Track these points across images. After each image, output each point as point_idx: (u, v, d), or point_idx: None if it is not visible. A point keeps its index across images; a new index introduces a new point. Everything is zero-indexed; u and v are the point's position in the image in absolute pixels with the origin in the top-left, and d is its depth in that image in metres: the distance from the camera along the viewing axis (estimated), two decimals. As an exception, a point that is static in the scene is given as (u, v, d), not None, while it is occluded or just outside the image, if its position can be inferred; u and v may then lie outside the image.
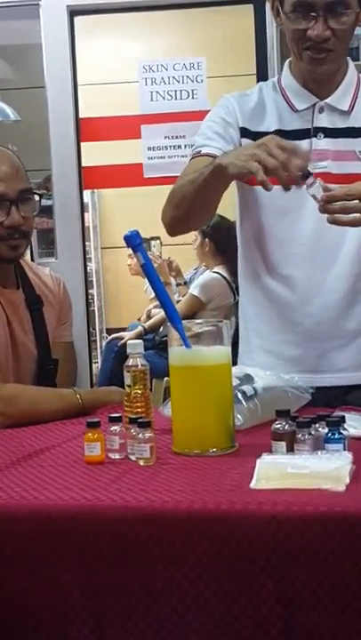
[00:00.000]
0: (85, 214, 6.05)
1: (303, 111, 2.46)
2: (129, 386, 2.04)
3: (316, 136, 2.43)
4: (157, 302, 2.16)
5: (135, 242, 1.93)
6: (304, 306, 2.45)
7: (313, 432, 1.80)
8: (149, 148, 5.60)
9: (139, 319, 6.93)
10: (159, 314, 6.18)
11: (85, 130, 5.54)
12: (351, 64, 2.50)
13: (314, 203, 2.13)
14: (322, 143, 2.43)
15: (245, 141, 2.45)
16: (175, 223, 2.48)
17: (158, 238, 6.91)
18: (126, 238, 1.93)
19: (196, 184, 2.33)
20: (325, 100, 2.45)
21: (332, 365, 2.45)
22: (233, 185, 2.47)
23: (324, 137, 2.43)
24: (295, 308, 2.46)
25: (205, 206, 2.43)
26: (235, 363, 2.38)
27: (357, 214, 2.10)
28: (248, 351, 2.59)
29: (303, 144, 2.41)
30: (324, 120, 2.45)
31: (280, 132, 2.42)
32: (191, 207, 2.40)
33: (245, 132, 2.47)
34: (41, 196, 2.59)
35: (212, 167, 2.25)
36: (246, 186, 2.47)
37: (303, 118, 2.46)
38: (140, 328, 6.47)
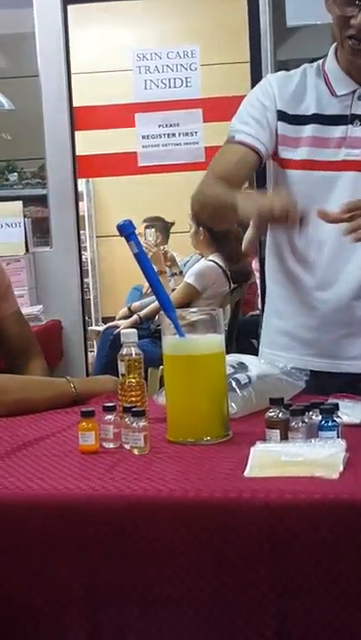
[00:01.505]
0: (80, 203, 6.06)
1: (343, 96, 2.45)
2: (123, 375, 2.04)
3: (352, 123, 2.43)
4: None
5: (128, 230, 1.93)
6: (322, 291, 2.47)
7: (307, 420, 1.80)
8: (144, 137, 5.59)
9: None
10: (154, 302, 6.18)
11: (79, 118, 5.53)
12: None
13: (343, 190, 2.28)
14: (357, 131, 2.42)
15: (281, 125, 2.47)
16: (200, 220, 2.58)
17: (153, 227, 6.91)
18: (119, 227, 1.93)
19: (216, 204, 2.42)
20: None
21: (346, 352, 2.46)
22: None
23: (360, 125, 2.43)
24: (313, 293, 2.48)
25: (224, 221, 2.60)
26: (231, 348, 2.40)
27: None
28: (267, 330, 2.63)
29: (339, 130, 2.43)
30: None
31: (318, 117, 2.44)
32: (213, 217, 2.56)
33: (282, 116, 2.48)
34: None
35: (230, 202, 2.30)
36: (279, 168, 2.50)
37: (342, 104, 2.45)
38: (135, 317, 6.47)
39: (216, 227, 2.60)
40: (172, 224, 7.23)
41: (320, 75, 2.50)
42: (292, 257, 2.51)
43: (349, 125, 2.43)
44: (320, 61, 2.55)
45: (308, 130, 2.45)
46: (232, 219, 2.38)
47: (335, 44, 2.50)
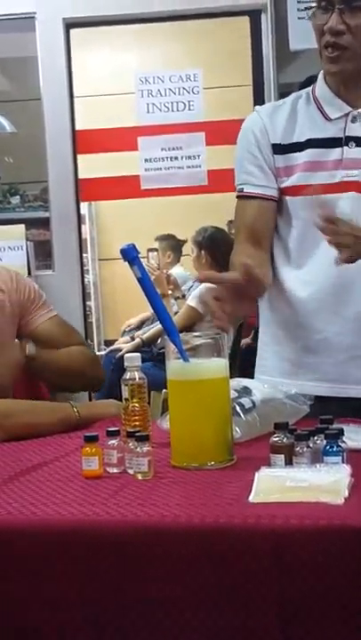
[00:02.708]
0: (82, 226, 6.07)
1: (336, 120, 2.46)
2: (126, 399, 2.03)
3: (347, 145, 2.43)
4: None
5: (131, 255, 1.92)
6: (324, 314, 2.45)
7: (311, 445, 1.79)
8: (146, 160, 5.62)
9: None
10: (157, 325, 6.18)
11: (82, 142, 5.56)
12: None
13: (342, 213, 2.27)
14: (353, 152, 2.43)
15: (278, 157, 2.48)
16: None
17: (156, 250, 6.92)
18: (123, 252, 1.92)
19: None
20: (359, 110, 2.44)
21: (350, 376, 2.45)
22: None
23: (356, 146, 2.43)
24: (315, 317, 2.46)
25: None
26: (235, 372, 2.39)
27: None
28: (265, 358, 2.61)
29: (335, 153, 2.43)
30: (356, 129, 2.44)
31: (312, 141, 2.45)
32: None
33: (277, 149, 2.48)
34: None
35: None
36: (282, 196, 2.50)
37: (336, 127, 2.45)
38: (137, 340, 6.47)
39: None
40: (185, 242, 7.21)
41: (310, 102, 2.51)
42: (290, 281, 2.50)
43: (345, 147, 2.44)
44: (309, 89, 2.55)
45: (304, 156, 2.46)
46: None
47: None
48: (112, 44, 7.13)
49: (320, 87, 2.51)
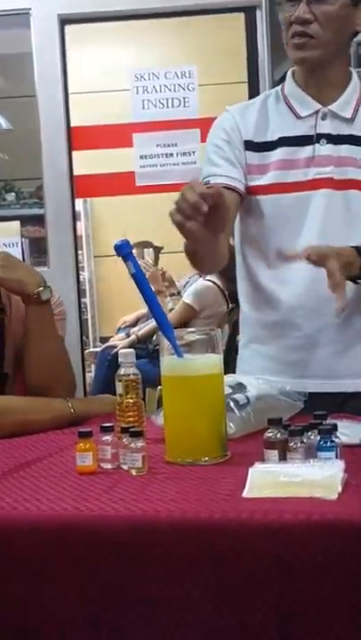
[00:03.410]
0: (78, 223, 6.07)
1: (306, 117, 2.48)
2: (121, 395, 2.03)
3: (319, 142, 2.45)
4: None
5: (125, 251, 1.92)
6: (305, 312, 2.45)
7: (305, 440, 1.80)
8: (141, 157, 5.61)
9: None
10: (153, 323, 6.18)
11: (77, 138, 5.55)
12: (355, 74, 2.53)
13: (316, 209, 2.30)
14: (325, 149, 2.44)
15: (250, 154, 2.48)
16: (195, 266, 2.48)
17: (151, 245, 6.91)
18: (116, 247, 1.92)
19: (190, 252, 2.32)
20: (328, 107, 2.47)
21: (333, 371, 2.45)
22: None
23: (327, 143, 2.44)
24: (296, 313, 2.47)
25: (205, 256, 2.36)
26: (230, 369, 2.39)
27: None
28: (248, 357, 2.60)
29: (306, 150, 2.45)
30: (327, 126, 2.46)
31: (284, 139, 2.46)
32: (193, 258, 2.38)
33: (249, 145, 2.49)
34: None
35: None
36: (248, 196, 2.49)
37: (306, 124, 2.48)
38: (133, 337, 6.47)
39: (213, 261, 2.44)
40: (161, 248, 7.20)
41: (280, 100, 2.53)
42: (269, 281, 2.51)
43: (316, 145, 2.46)
44: (278, 88, 2.58)
45: (276, 154, 2.47)
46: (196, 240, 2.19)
47: (292, 68, 2.54)
48: (107, 40, 7.13)
49: (289, 85, 2.54)
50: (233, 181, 2.46)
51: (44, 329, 2.48)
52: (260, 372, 2.45)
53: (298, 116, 2.48)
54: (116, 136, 5.71)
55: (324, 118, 2.47)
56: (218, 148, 2.51)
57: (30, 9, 5.39)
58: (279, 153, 2.46)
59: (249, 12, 5.54)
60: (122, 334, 6.99)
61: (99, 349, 7.13)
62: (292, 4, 2.37)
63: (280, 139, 2.47)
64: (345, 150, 2.45)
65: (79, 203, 7.86)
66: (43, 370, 2.46)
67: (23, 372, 2.50)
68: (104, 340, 8.00)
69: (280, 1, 2.41)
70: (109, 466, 1.87)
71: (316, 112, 2.47)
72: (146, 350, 6.01)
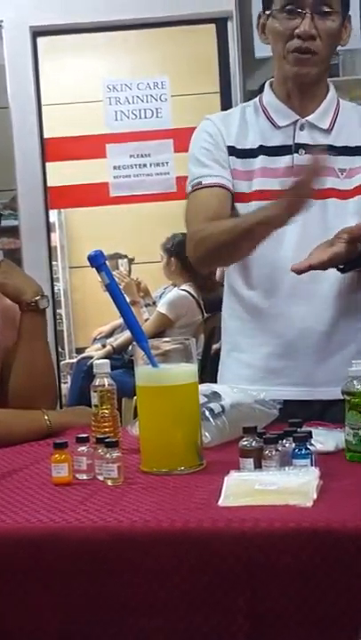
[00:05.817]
0: (52, 234, 6.07)
1: (285, 127, 2.49)
2: (96, 405, 2.03)
3: (297, 152, 2.46)
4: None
5: (99, 261, 1.93)
6: (285, 320, 2.46)
7: (280, 448, 1.80)
8: (115, 167, 5.62)
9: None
10: (128, 333, 6.17)
11: (50, 149, 5.55)
12: (332, 86, 2.54)
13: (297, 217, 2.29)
14: (303, 159, 2.44)
15: (233, 159, 2.49)
16: (204, 263, 2.52)
17: (126, 257, 6.91)
18: (90, 258, 1.93)
19: (234, 234, 2.37)
20: (306, 118, 2.48)
21: (313, 380, 2.46)
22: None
23: (305, 153, 2.45)
24: (276, 323, 2.47)
25: (240, 251, 2.45)
26: (206, 378, 2.39)
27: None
28: (229, 365, 2.61)
29: (285, 160, 2.46)
30: (305, 137, 2.48)
31: (263, 148, 2.47)
32: (226, 251, 2.45)
33: (232, 151, 2.50)
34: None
35: (257, 219, 2.32)
36: (234, 202, 2.50)
37: (285, 134, 2.49)
38: (108, 347, 6.46)
39: (226, 262, 2.52)
40: (132, 259, 7.19)
41: (258, 110, 2.54)
42: (249, 289, 2.51)
43: (295, 155, 2.47)
44: (256, 99, 2.59)
45: (258, 162, 2.48)
46: (250, 245, 2.38)
47: (270, 80, 2.55)
48: (79, 51, 7.13)
49: (267, 95, 2.54)
50: (227, 182, 2.48)
51: (36, 337, 2.50)
52: (242, 380, 2.46)
53: (276, 126, 2.50)
54: (90, 147, 5.72)
55: (302, 129, 2.48)
56: (206, 150, 2.52)
57: (2, 21, 5.40)
58: (260, 161, 2.48)
59: (220, 23, 5.57)
60: (97, 345, 6.97)
61: (74, 360, 7.10)
62: (292, 16, 2.37)
63: (260, 147, 2.48)
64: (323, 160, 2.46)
65: (53, 214, 7.85)
66: (30, 378, 2.46)
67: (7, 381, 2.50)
68: (80, 350, 7.97)
69: (269, 11, 2.41)
70: (85, 477, 1.87)
71: (295, 122, 2.48)
72: (122, 361, 5.99)
